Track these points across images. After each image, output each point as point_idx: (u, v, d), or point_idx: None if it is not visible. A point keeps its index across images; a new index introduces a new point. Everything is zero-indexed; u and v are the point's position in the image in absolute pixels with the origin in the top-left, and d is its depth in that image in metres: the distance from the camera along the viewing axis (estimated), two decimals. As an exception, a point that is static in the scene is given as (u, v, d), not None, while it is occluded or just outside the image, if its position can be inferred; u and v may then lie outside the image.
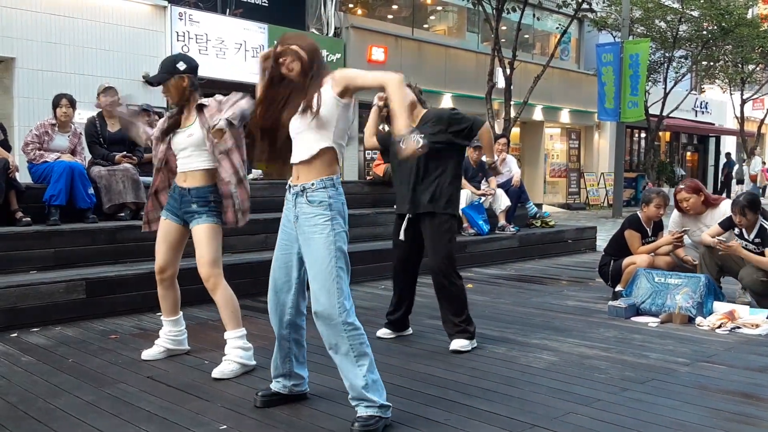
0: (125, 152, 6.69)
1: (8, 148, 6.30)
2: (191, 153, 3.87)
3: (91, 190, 6.20)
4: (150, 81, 3.89)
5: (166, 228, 3.99)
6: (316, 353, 4.21)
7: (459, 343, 4.34)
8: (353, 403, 3.01)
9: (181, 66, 3.86)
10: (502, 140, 9.83)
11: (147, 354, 4.11)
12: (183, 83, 3.87)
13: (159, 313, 5.22)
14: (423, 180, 4.36)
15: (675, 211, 6.13)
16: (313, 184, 3.01)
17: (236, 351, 3.83)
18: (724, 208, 5.83)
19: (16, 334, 4.64)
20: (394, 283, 4.68)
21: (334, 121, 3.01)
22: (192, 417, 3.15)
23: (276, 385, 3.31)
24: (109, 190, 6.36)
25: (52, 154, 6.30)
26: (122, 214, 6.36)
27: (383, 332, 4.71)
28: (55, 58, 11.68)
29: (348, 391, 3.02)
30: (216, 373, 3.74)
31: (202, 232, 3.86)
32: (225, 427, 3.04)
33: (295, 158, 3.09)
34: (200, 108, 3.88)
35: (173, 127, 3.94)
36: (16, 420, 3.11)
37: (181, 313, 4.20)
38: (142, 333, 4.74)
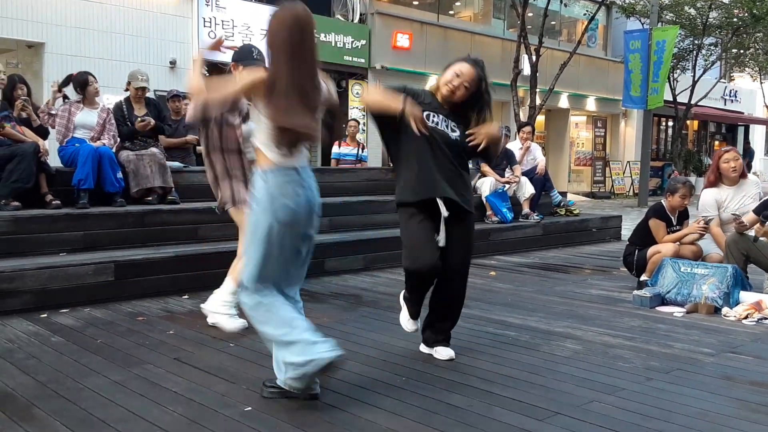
0: (145, 119, 6.66)
1: (46, 134, 6.39)
2: None
3: (120, 174, 6.28)
4: None
5: None
6: (335, 337, 4.25)
7: (450, 352, 3.88)
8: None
9: None
10: (527, 128, 9.79)
11: (234, 326, 4.32)
12: None
13: (185, 296, 5.33)
14: (457, 171, 3.72)
15: (708, 191, 6.01)
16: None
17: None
18: (752, 179, 6.05)
19: (45, 315, 4.72)
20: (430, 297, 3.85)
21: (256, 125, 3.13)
22: (217, 398, 3.19)
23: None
24: (136, 175, 6.43)
25: (80, 130, 6.42)
26: (150, 198, 6.43)
27: (448, 353, 3.89)
28: (84, 43, 11.81)
29: None
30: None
31: None
32: (250, 408, 3.07)
33: None
34: None
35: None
36: (46, 398, 3.17)
37: None
38: (168, 315, 4.81)
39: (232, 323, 4.36)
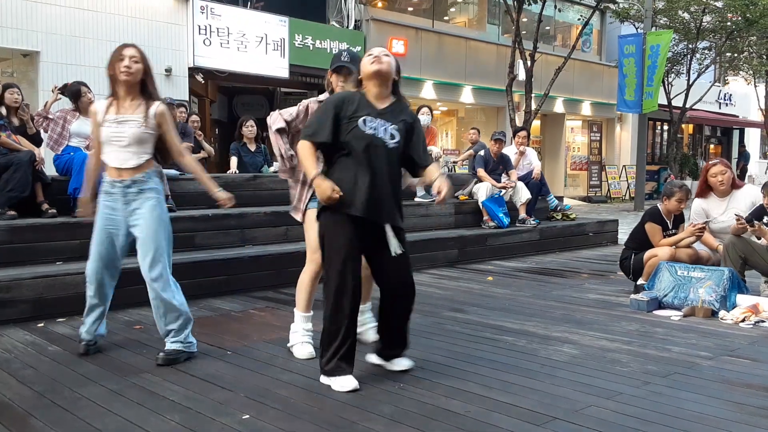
0: None
1: (39, 142, 6.39)
2: None
3: (116, 183, 6.27)
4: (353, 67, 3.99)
5: None
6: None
7: (408, 362, 3.77)
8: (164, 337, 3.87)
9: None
10: (522, 133, 9.81)
11: (303, 354, 4.13)
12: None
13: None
14: (395, 184, 3.54)
15: (697, 201, 6.01)
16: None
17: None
18: (747, 191, 5.90)
19: (42, 324, 4.71)
20: (349, 319, 3.54)
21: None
22: (215, 407, 3.19)
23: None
24: (132, 183, 6.42)
25: (76, 139, 6.42)
26: (145, 207, 6.41)
27: (407, 363, 3.76)
28: (78, 51, 11.79)
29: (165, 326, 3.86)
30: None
31: None
32: (248, 416, 3.07)
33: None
34: None
35: None
36: (43, 408, 3.16)
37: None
38: (165, 324, 4.79)
39: (299, 351, 4.06)
